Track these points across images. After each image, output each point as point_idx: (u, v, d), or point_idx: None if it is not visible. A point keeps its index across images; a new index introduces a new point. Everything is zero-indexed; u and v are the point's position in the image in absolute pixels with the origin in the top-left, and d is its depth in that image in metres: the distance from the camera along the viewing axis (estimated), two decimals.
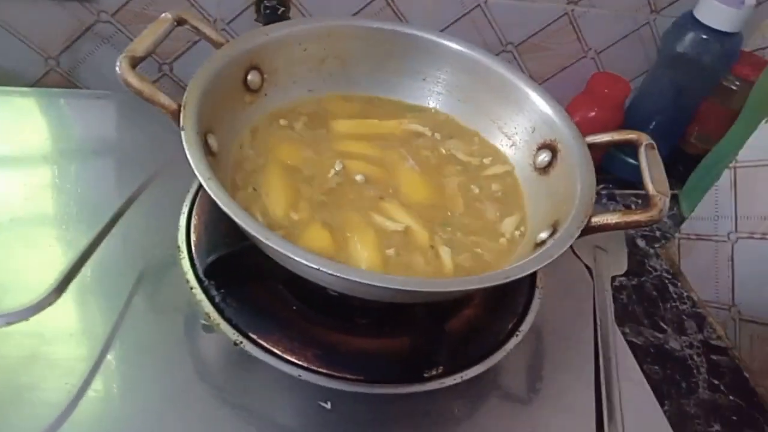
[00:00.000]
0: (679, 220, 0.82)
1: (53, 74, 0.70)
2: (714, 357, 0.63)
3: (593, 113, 0.81)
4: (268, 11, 0.69)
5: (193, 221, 0.49)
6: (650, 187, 0.41)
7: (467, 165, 0.52)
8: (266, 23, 0.69)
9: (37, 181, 0.54)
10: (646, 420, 0.50)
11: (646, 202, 0.41)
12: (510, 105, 0.52)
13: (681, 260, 0.76)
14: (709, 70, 0.79)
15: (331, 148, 0.50)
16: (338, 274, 0.35)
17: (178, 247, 0.47)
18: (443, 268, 0.43)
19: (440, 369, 0.43)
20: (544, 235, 0.43)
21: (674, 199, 0.86)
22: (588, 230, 0.41)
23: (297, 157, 0.49)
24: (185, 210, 0.50)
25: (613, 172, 0.85)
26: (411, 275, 0.42)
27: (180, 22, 0.46)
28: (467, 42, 0.54)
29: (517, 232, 0.47)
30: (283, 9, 0.69)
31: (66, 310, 0.44)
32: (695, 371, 0.61)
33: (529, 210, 0.48)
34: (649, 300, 0.68)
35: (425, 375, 0.43)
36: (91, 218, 0.50)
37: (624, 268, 0.57)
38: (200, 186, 0.51)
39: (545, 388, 0.49)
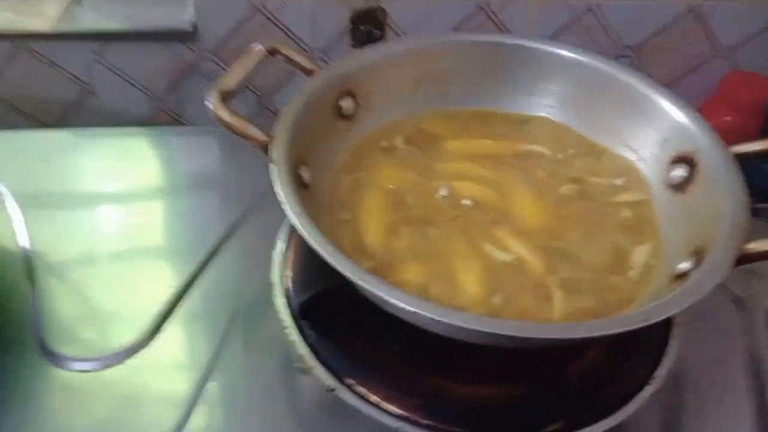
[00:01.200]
0: None
1: (160, 113, 0.72)
2: None
3: (729, 118, 0.71)
4: (364, 36, 0.67)
5: (289, 255, 0.47)
6: None
7: (594, 187, 0.45)
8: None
9: (136, 217, 0.54)
10: None
11: None
12: (635, 114, 0.46)
13: None
14: None
15: (437, 169, 0.47)
16: (439, 319, 0.31)
17: (272, 283, 0.45)
18: (556, 308, 0.37)
19: (561, 423, 0.37)
20: (685, 265, 0.36)
21: None
22: (742, 260, 0.34)
23: (399, 180, 0.46)
24: (280, 243, 0.48)
25: (754, 181, 0.74)
26: (521, 315, 0.37)
27: (272, 52, 0.45)
28: (577, 47, 0.49)
29: (650, 263, 0.40)
30: (380, 32, 0.67)
31: (160, 352, 0.43)
32: None
33: (664, 236, 0.41)
34: None
35: (544, 430, 0.37)
36: (187, 255, 0.49)
37: None
38: None
39: None
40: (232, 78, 0.41)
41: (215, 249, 0.48)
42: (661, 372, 0.40)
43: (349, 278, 0.33)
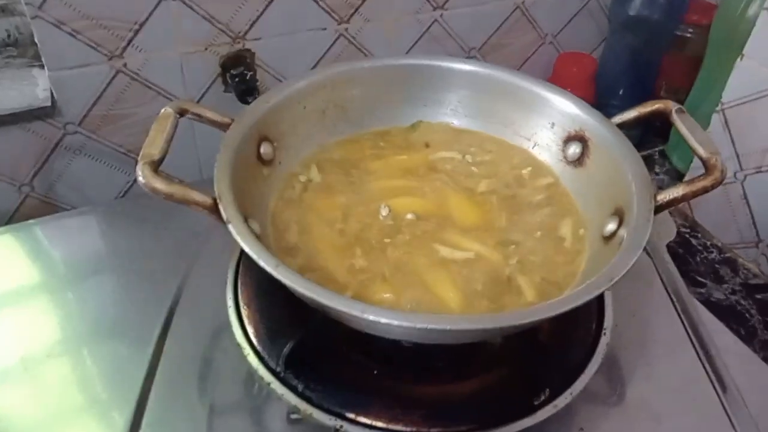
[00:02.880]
0: (675, 174, 0.84)
1: (30, 200, 0.65)
2: (759, 296, 0.63)
3: None
4: (237, 80, 0.66)
5: (243, 312, 0.46)
6: (701, 150, 0.41)
7: (505, 179, 0.50)
8: (238, 92, 0.67)
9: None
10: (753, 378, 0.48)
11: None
12: (519, 106, 0.51)
13: (694, 212, 0.77)
14: (662, 25, 0.81)
15: (368, 191, 0.49)
16: (448, 327, 0.33)
17: (239, 344, 0.44)
18: (526, 291, 0.41)
19: (547, 391, 0.41)
20: (611, 226, 0.42)
21: (662, 155, 0.87)
22: (656, 210, 0.40)
23: (336, 208, 0.47)
24: (231, 303, 0.46)
25: None
26: (496, 304, 0.40)
27: (181, 113, 0.43)
28: (456, 58, 0.54)
29: (578, 233, 0.45)
30: (251, 74, 0.67)
31: None
32: (747, 315, 0.61)
33: (582, 206, 0.47)
34: (677, 258, 0.68)
35: (535, 403, 0.41)
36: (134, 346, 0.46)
37: (673, 232, 0.56)
38: (236, 276, 0.48)
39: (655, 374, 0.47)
40: (154, 147, 0.39)
41: (163, 333, 0.45)
42: (608, 323, 0.46)
43: (348, 314, 0.33)
